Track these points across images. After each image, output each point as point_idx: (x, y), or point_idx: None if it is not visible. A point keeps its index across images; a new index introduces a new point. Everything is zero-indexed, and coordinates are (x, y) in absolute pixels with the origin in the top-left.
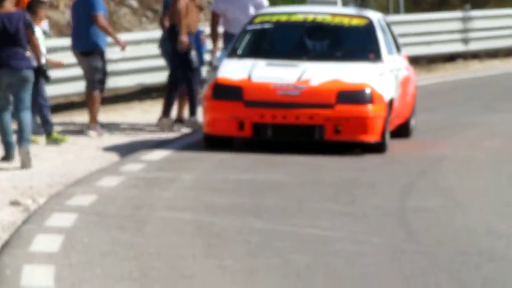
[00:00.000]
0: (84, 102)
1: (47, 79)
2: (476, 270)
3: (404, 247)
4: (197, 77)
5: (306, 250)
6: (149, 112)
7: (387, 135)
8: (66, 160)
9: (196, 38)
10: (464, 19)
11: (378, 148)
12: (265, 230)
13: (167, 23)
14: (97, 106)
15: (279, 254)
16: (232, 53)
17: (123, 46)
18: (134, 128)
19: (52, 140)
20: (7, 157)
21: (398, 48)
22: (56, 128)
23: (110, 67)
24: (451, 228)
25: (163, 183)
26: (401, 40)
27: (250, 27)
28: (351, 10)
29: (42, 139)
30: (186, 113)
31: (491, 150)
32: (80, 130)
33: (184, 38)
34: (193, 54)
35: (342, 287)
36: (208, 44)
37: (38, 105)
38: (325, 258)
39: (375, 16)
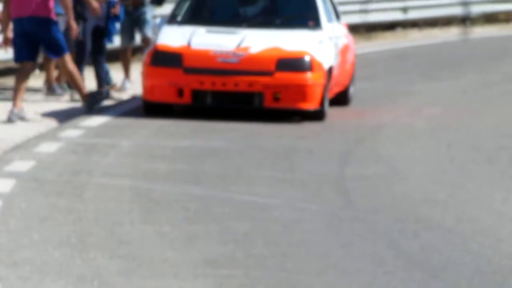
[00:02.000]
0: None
1: None
2: (414, 237)
3: (342, 214)
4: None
5: (244, 217)
6: (88, 79)
7: (326, 103)
8: (3, 125)
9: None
10: None
11: (317, 116)
12: (203, 197)
13: None
14: None
15: (218, 220)
16: (171, 20)
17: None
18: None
19: None
20: None
21: (337, 16)
22: None
23: None
24: (389, 195)
25: (101, 149)
26: (340, 8)
27: None
28: None
29: None
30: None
31: (430, 118)
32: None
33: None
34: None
35: (280, 254)
36: None
37: None
38: (264, 224)
39: None
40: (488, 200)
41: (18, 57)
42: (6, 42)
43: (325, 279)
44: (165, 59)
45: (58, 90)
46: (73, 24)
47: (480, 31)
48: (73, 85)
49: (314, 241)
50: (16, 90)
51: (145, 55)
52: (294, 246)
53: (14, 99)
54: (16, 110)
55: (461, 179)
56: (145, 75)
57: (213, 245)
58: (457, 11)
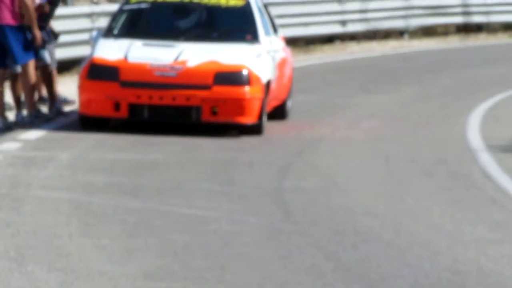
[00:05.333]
0: None
1: None
2: (353, 250)
3: (281, 226)
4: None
5: (183, 230)
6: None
7: (264, 117)
8: None
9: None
10: (342, 1)
11: (255, 129)
12: (142, 210)
13: None
14: None
15: (156, 233)
16: (108, 33)
17: None
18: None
19: None
20: None
21: (275, 29)
22: None
23: None
24: (328, 208)
25: (39, 162)
26: (279, 21)
27: (126, 7)
28: None
29: None
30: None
31: (369, 131)
32: None
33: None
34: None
35: (219, 266)
36: None
37: None
38: (202, 237)
39: None
40: (426, 213)
41: None
42: None
43: None
44: (101, 73)
45: None
46: (37, 33)
47: (418, 44)
48: (27, 94)
49: (253, 253)
50: None
51: (81, 69)
52: (233, 258)
53: None
54: None
55: (399, 192)
56: (81, 89)
57: (151, 258)
58: (395, 24)
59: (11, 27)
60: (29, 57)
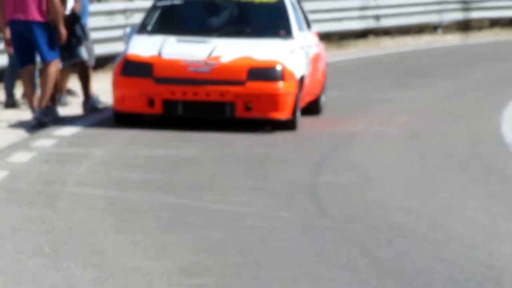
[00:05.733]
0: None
1: None
2: (387, 245)
3: (315, 222)
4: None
5: (218, 226)
6: None
7: (298, 113)
8: None
9: None
10: None
11: (289, 125)
12: (176, 206)
13: None
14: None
15: (191, 229)
16: (142, 29)
17: None
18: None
19: None
20: None
21: (308, 24)
22: None
23: None
24: (362, 203)
25: (74, 158)
26: (312, 17)
27: (160, 3)
28: None
29: None
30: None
31: (402, 126)
32: None
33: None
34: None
35: (254, 262)
36: None
37: None
38: (237, 233)
39: None
40: (460, 208)
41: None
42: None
43: (299, 287)
44: (135, 69)
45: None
46: (62, 30)
47: (452, 39)
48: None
49: (287, 249)
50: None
51: (115, 65)
52: (267, 254)
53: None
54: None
55: (433, 187)
56: (115, 85)
57: (186, 254)
58: (428, 19)
59: (38, 23)
60: (55, 55)
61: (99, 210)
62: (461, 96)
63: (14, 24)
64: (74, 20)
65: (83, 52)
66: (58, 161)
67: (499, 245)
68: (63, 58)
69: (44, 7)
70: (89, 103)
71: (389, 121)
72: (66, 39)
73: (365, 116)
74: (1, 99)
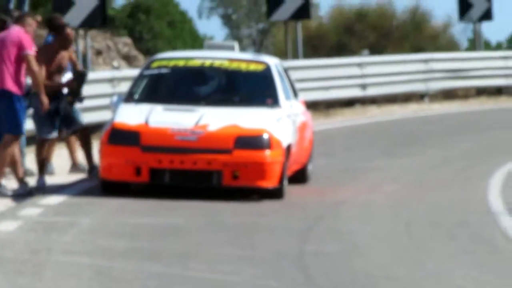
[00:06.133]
0: None
1: None
2: None
3: None
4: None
5: None
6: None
7: (285, 181)
8: None
9: None
10: (362, 65)
11: (276, 194)
12: (163, 275)
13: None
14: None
15: None
16: (129, 98)
17: None
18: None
19: None
20: None
21: (295, 93)
22: None
23: None
24: (350, 272)
25: (61, 227)
26: (299, 85)
27: (147, 72)
28: (248, 55)
29: None
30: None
31: (390, 195)
32: None
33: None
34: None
35: None
36: None
37: None
38: None
39: (272, 61)
40: (448, 277)
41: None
42: None
43: None
44: (122, 138)
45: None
46: (44, 100)
47: (439, 107)
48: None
49: None
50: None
51: (103, 133)
52: None
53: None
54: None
55: (421, 256)
56: (102, 154)
57: None
58: (415, 87)
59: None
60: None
61: (86, 279)
62: (448, 165)
63: None
64: (83, 78)
65: (81, 117)
66: (44, 229)
67: None
68: (62, 127)
69: (21, 78)
70: (95, 169)
71: (377, 190)
72: (70, 103)
73: (352, 184)
74: None
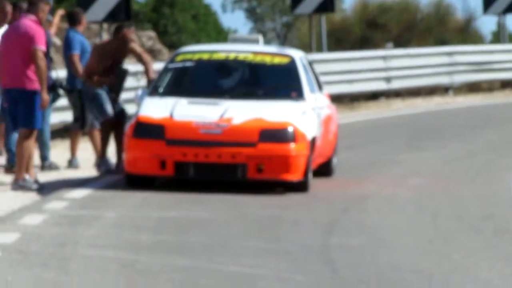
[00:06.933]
0: None
1: None
2: None
3: (328, 284)
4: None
5: None
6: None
7: (310, 174)
8: None
9: None
10: (386, 58)
11: (301, 187)
12: (189, 268)
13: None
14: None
15: None
16: (153, 92)
17: None
18: (57, 166)
19: None
20: None
21: (320, 86)
22: None
23: None
24: (375, 265)
25: (86, 221)
26: (324, 79)
27: (171, 65)
28: (273, 48)
29: None
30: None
31: (415, 188)
32: None
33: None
34: None
35: None
36: None
37: None
38: None
39: (297, 54)
40: (474, 270)
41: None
42: None
43: None
44: (147, 131)
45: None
46: (45, 96)
47: (463, 100)
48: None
49: None
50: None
51: (127, 127)
52: None
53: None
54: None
55: (446, 249)
56: (127, 147)
57: None
58: (439, 80)
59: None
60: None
61: (112, 272)
62: (473, 158)
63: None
64: (124, 76)
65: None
66: (70, 223)
67: None
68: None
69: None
70: (103, 164)
71: (401, 183)
72: (113, 100)
73: (377, 177)
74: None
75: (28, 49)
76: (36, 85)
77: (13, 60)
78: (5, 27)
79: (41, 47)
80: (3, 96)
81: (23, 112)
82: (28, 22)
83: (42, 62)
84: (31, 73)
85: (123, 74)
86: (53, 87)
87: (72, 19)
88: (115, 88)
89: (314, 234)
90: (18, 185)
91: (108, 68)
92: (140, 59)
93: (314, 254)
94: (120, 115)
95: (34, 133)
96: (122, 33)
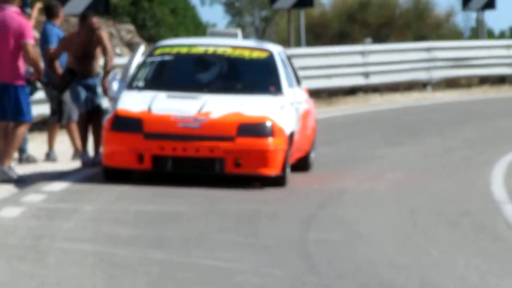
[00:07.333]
0: None
1: None
2: None
3: (305, 279)
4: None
5: (207, 282)
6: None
7: (288, 169)
8: None
9: None
10: (364, 53)
11: (279, 181)
12: (166, 262)
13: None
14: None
15: (181, 285)
16: (131, 85)
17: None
18: (34, 159)
19: None
20: None
21: (298, 81)
22: None
23: None
24: (353, 260)
25: (64, 214)
26: (302, 73)
27: (150, 59)
28: (251, 42)
29: None
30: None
31: (392, 183)
32: None
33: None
34: None
35: None
36: None
37: None
38: None
39: (275, 49)
40: (451, 265)
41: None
42: None
43: None
44: (125, 124)
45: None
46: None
47: (441, 96)
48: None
49: None
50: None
51: (105, 121)
52: None
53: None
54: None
55: (424, 244)
56: (105, 141)
57: None
58: (418, 76)
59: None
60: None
61: (89, 266)
62: (451, 153)
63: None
64: (70, 80)
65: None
66: (47, 216)
67: None
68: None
69: (20, 66)
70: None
71: (379, 178)
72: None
73: (355, 172)
74: None
75: (17, 43)
76: (22, 79)
77: (1, 54)
78: None
79: (31, 41)
80: None
81: (12, 106)
82: (14, 15)
83: (35, 54)
84: (19, 66)
85: (68, 76)
86: (30, 81)
87: (49, 12)
88: (59, 87)
89: (292, 228)
90: (3, 170)
91: (80, 58)
92: (103, 49)
93: (292, 249)
94: (97, 110)
95: (26, 124)
96: (88, 21)
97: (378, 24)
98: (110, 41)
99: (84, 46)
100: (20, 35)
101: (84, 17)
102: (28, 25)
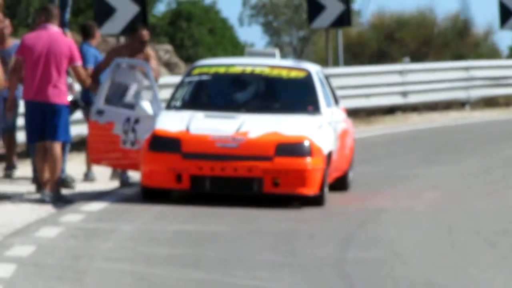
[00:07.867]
0: None
1: None
2: None
3: None
4: None
5: None
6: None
7: (326, 188)
8: (4, 210)
9: None
10: (403, 72)
11: (317, 201)
12: (204, 281)
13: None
14: None
15: None
16: (170, 105)
17: None
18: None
19: None
20: None
21: (336, 100)
22: None
23: None
24: (391, 279)
25: (102, 234)
26: (340, 93)
27: (188, 79)
28: (289, 62)
29: None
30: None
31: (430, 202)
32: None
33: None
34: None
35: None
36: None
37: None
38: None
39: (313, 68)
40: (489, 284)
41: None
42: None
43: None
44: (163, 144)
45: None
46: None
47: (480, 115)
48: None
49: None
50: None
51: (144, 141)
52: None
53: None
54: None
55: (462, 263)
56: (144, 161)
57: None
58: (456, 95)
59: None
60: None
61: (127, 286)
62: (489, 173)
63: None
64: (75, 108)
65: None
66: (85, 236)
67: None
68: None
69: (63, 87)
70: (123, 177)
71: (417, 197)
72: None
73: (393, 192)
74: (29, 174)
75: (64, 64)
76: (65, 99)
77: (47, 73)
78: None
79: (80, 62)
80: (26, 107)
81: (53, 125)
82: (60, 36)
83: (86, 75)
84: (62, 87)
85: (75, 106)
86: (74, 101)
87: (85, 33)
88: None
89: (330, 248)
90: (55, 196)
91: None
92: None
93: (330, 268)
94: None
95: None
96: (138, 33)
97: (416, 43)
98: (157, 61)
99: (131, 56)
100: (69, 58)
101: (134, 29)
102: (75, 47)
